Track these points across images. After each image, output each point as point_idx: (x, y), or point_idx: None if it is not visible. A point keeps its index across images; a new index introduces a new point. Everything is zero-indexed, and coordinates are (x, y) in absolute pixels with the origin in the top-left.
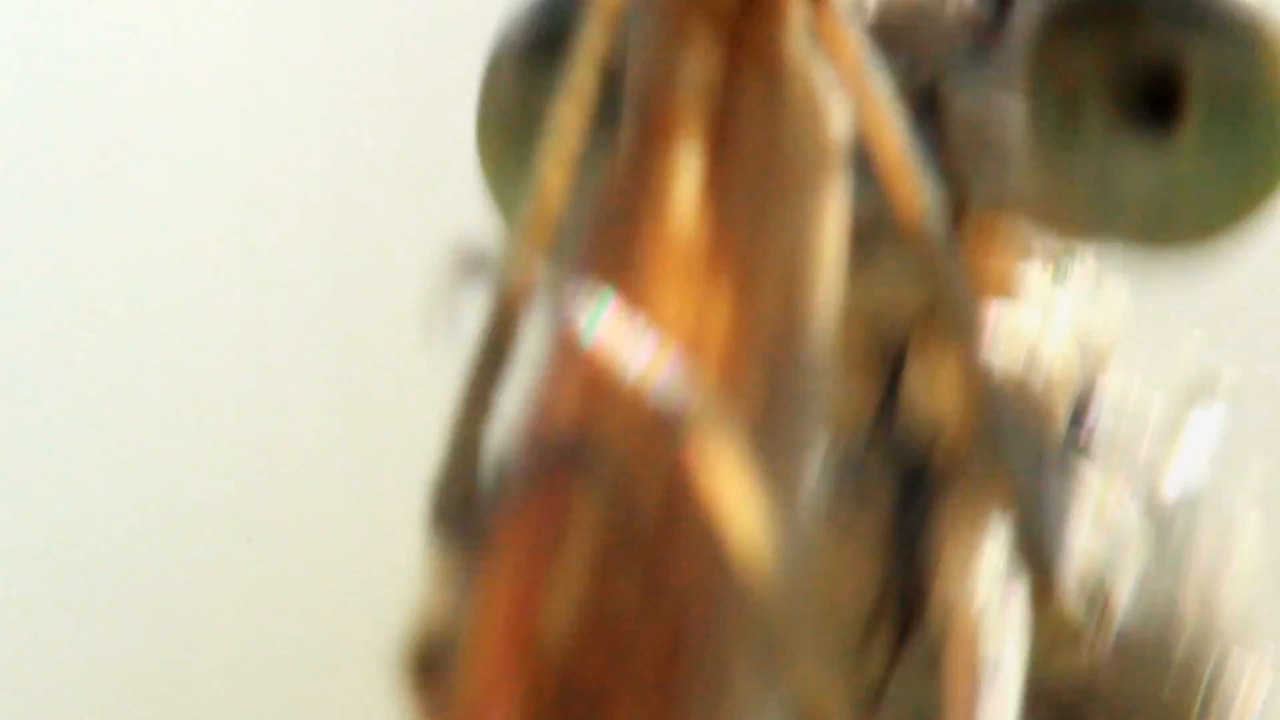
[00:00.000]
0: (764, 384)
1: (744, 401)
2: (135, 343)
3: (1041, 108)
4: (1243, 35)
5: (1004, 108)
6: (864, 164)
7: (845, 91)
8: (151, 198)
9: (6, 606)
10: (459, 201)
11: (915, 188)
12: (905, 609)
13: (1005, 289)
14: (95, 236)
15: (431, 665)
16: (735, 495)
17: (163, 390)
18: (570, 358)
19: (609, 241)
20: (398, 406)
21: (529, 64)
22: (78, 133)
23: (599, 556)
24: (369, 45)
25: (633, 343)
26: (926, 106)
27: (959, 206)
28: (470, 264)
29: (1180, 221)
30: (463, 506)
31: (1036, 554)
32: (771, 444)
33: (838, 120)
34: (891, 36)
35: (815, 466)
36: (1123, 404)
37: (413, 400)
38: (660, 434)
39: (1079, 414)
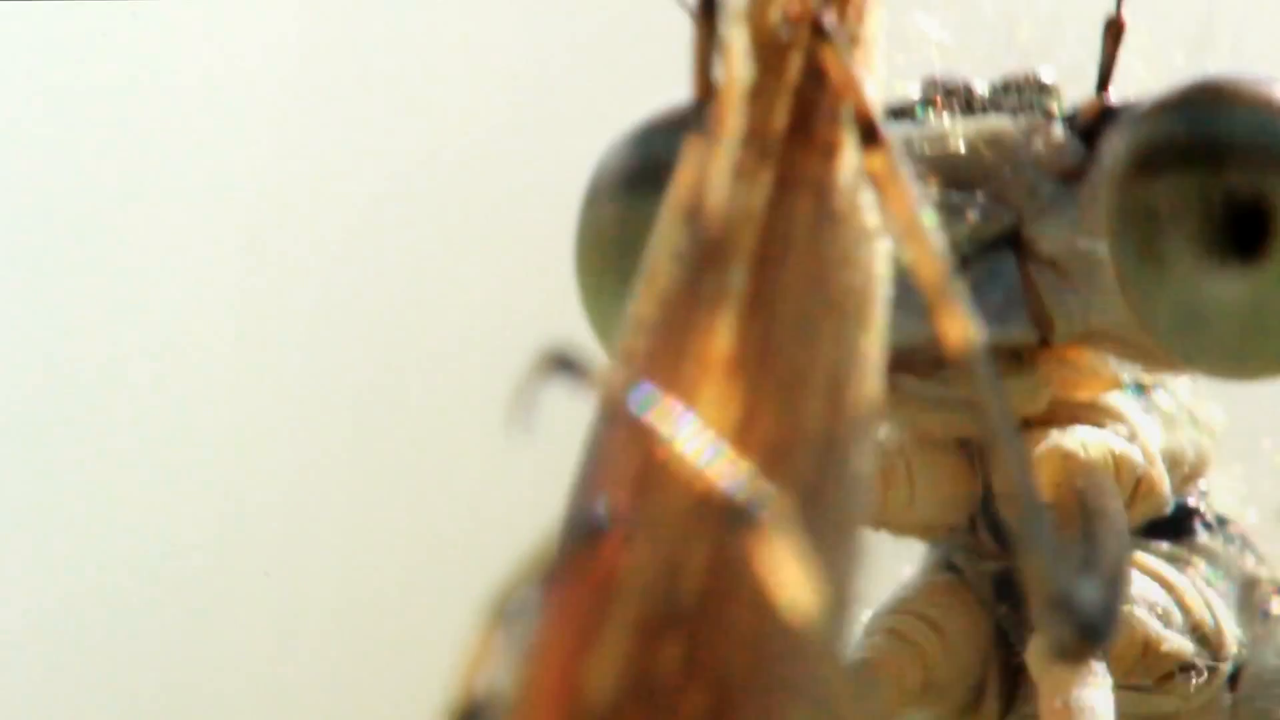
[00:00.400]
0: (807, 482)
1: (787, 495)
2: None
3: (1127, 246)
4: None
5: (1089, 247)
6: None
7: (894, 227)
8: None
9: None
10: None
11: (961, 323)
12: (1008, 688)
13: (1090, 417)
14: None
15: None
16: (784, 578)
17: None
18: (623, 443)
19: (666, 345)
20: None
21: (626, 193)
22: None
23: (643, 627)
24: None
25: (682, 434)
26: (1010, 246)
27: (1043, 341)
28: (557, 364)
29: (1267, 349)
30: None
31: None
32: (816, 537)
33: (882, 248)
34: (972, 176)
35: (858, 560)
36: (1224, 517)
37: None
38: (706, 518)
39: (1179, 524)
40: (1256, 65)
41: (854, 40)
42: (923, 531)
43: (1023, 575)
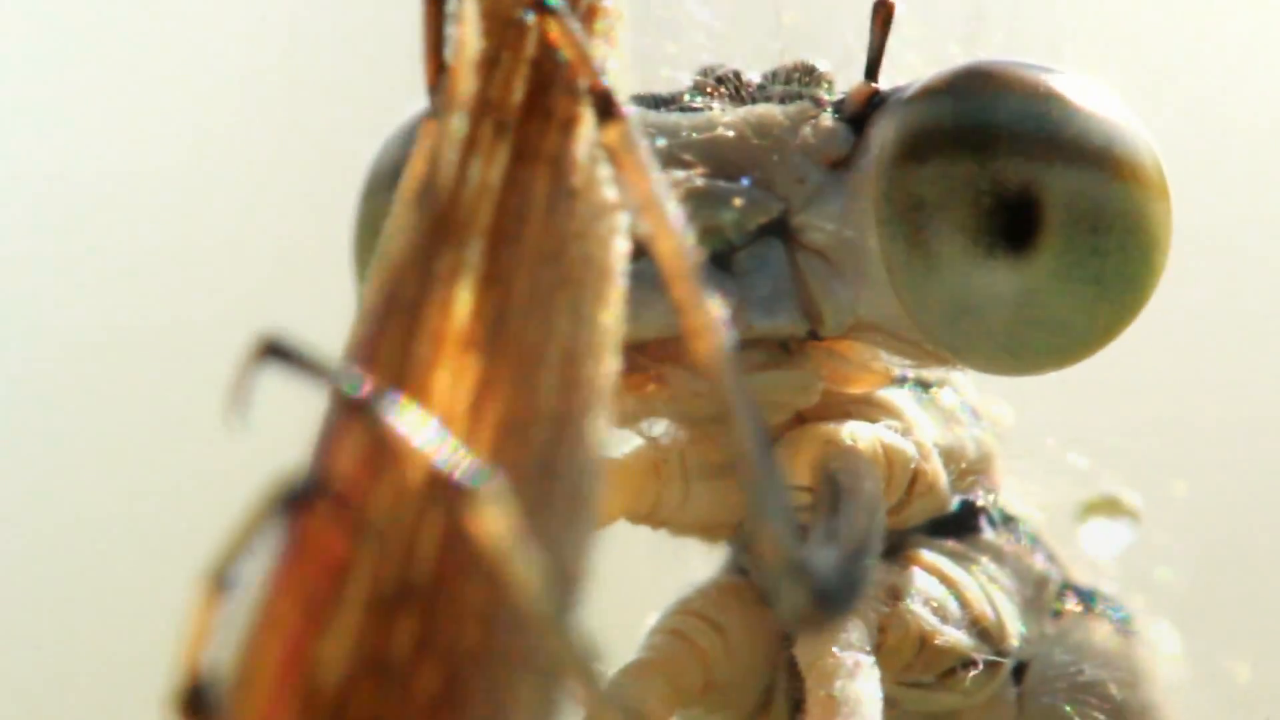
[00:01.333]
0: (541, 457)
1: (519, 473)
2: None
3: (895, 235)
4: (1096, 162)
5: (857, 237)
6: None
7: (630, 201)
8: None
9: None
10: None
11: (696, 298)
12: (797, 689)
13: (864, 412)
14: None
15: (201, 706)
16: (507, 554)
17: None
18: (353, 420)
19: (395, 326)
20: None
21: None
22: None
23: (375, 604)
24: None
25: (411, 412)
26: (779, 235)
27: (812, 332)
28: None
29: (1039, 343)
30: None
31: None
32: (548, 512)
33: (620, 224)
34: (740, 164)
35: (592, 534)
36: (1013, 515)
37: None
38: (434, 495)
39: (964, 520)
40: (1029, 55)
41: (591, 13)
42: (702, 532)
43: (756, 545)
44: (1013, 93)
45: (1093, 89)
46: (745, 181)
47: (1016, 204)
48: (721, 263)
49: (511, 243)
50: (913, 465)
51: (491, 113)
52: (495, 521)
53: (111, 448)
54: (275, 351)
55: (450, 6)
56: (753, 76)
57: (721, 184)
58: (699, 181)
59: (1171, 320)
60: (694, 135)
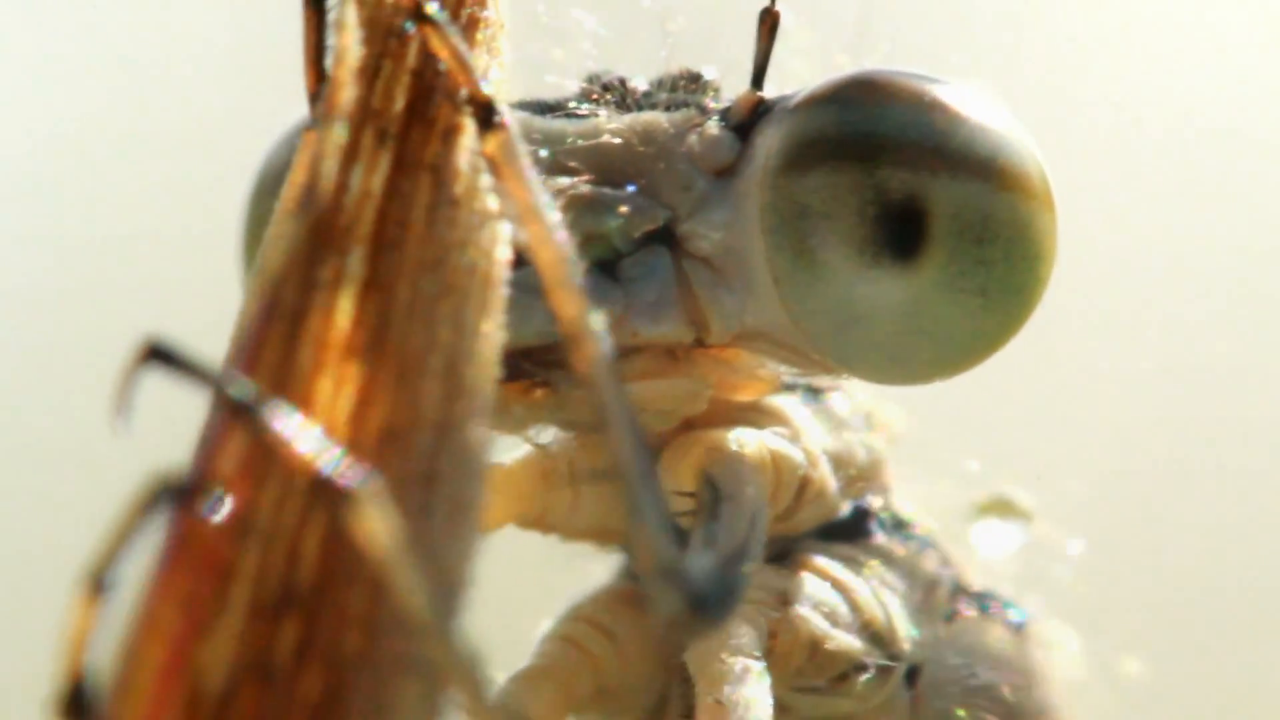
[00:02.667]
0: (423, 464)
1: (402, 481)
2: None
3: (781, 244)
4: (981, 172)
5: (742, 245)
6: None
7: (511, 210)
8: None
9: None
10: None
11: (576, 304)
12: (691, 696)
13: (751, 419)
14: None
15: (82, 709)
16: (389, 557)
17: None
18: (234, 425)
19: (277, 332)
20: None
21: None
22: None
23: (258, 609)
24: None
25: (291, 417)
26: (664, 243)
27: (698, 340)
28: (156, 355)
29: (925, 353)
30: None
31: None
32: (431, 519)
33: (501, 233)
34: (626, 171)
35: (476, 541)
36: (904, 519)
37: None
38: (315, 501)
39: (855, 525)
40: (915, 64)
41: (472, 23)
42: (593, 537)
43: (634, 551)
44: (898, 102)
45: (978, 99)
46: (631, 189)
47: (901, 214)
48: (607, 270)
49: (393, 250)
50: (801, 471)
51: (373, 121)
52: (376, 526)
53: None
54: (158, 355)
55: (331, 15)
56: (639, 84)
57: (607, 191)
58: (584, 188)
59: (1060, 322)
60: (579, 142)
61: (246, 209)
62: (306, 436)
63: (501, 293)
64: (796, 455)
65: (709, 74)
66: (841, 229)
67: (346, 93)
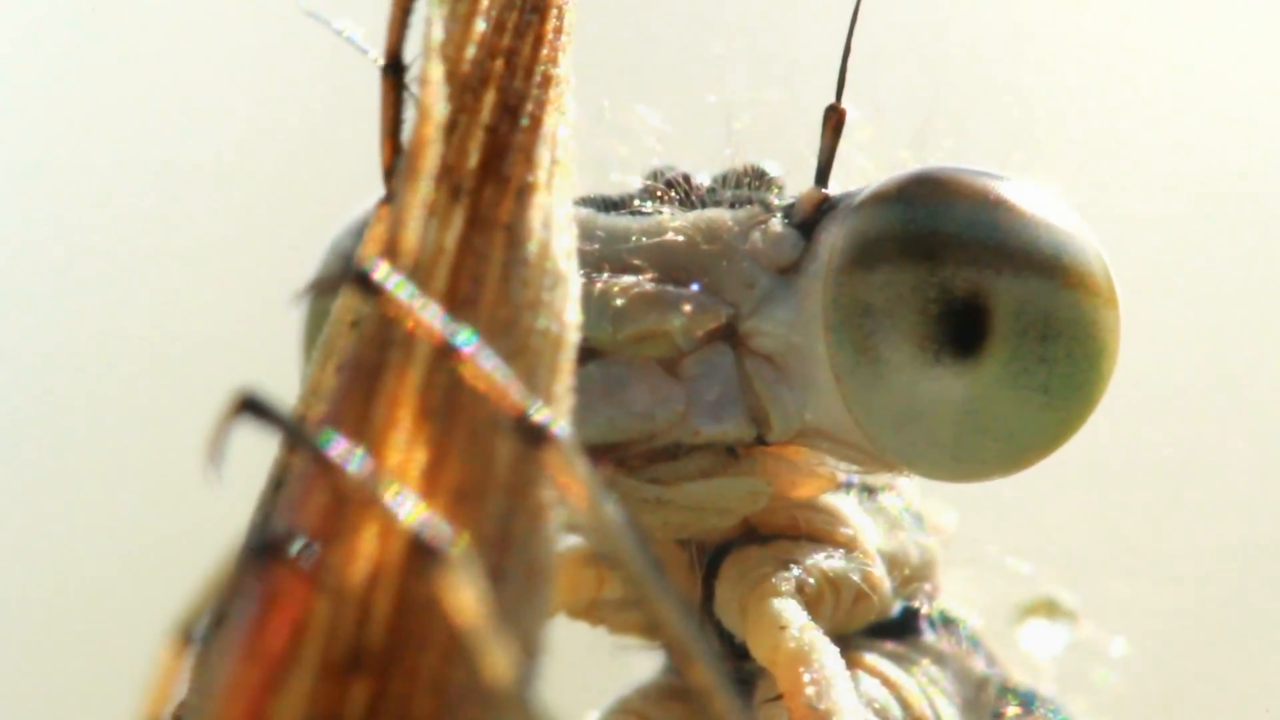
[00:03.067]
0: (495, 528)
1: (476, 540)
2: None
3: (843, 342)
4: (1045, 270)
5: (804, 343)
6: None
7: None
8: None
9: None
10: None
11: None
12: None
13: (808, 517)
14: None
15: None
16: (470, 624)
17: None
18: (314, 482)
19: (359, 391)
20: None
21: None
22: None
23: (330, 667)
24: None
25: (372, 476)
26: (726, 341)
27: (759, 438)
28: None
29: (986, 451)
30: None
31: None
32: (504, 583)
33: (572, 294)
34: (689, 268)
35: (549, 608)
36: (953, 617)
37: None
38: (394, 561)
39: (905, 623)
40: (978, 161)
41: (546, 80)
42: (643, 632)
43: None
44: (960, 199)
45: (1041, 196)
46: (695, 287)
47: (964, 311)
48: (669, 368)
49: (467, 308)
50: (857, 585)
51: (447, 177)
52: (465, 590)
53: (85, 495)
54: (250, 407)
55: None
56: (702, 180)
57: (670, 290)
58: (648, 286)
59: (1112, 422)
60: (643, 240)
61: (309, 300)
62: (396, 497)
63: (572, 356)
64: (853, 575)
65: (772, 170)
66: (904, 326)
67: (433, 150)
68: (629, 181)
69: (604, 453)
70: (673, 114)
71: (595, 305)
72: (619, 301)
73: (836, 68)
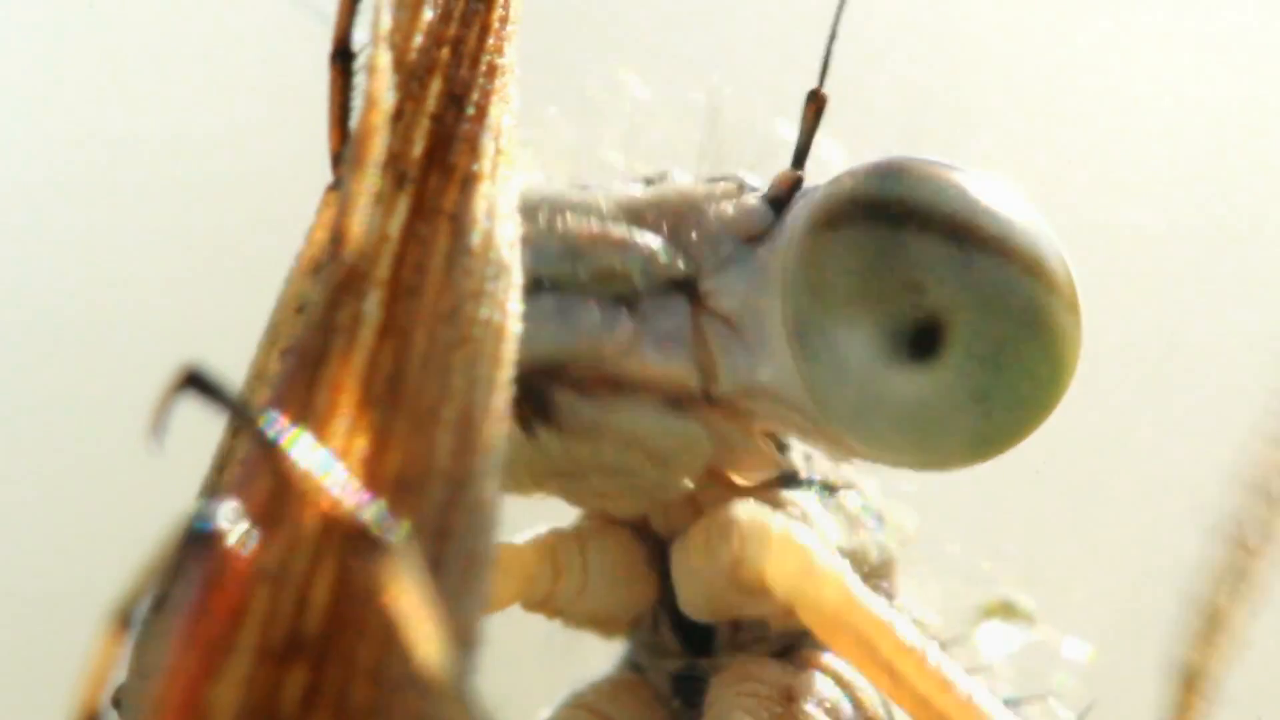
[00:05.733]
0: (435, 515)
1: (416, 528)
2: None
3: (800, 310)
4: (1008, 258)
5: (762, 309)
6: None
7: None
8: None
9: None
10: None
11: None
12: None
13: (754, 472)
14: None
15: None
16: (408, 612)
17: None
18: (254, 467)
19: (302, 376)
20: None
21: None
22: None
23: (266, 653)
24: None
25: (312, 462)
26: (685, 295)
27: (706, 391)
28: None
29: (947, 439)
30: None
31: None
32: (442, 573)
33: (515, 284)
34: (656, 222)
35: (486, 597)
36: (912, 617)
37: None
38: (332, 547)
39: None
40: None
41: (491, 69)
42: (600, 625)
43: None
44: (928, 181)
45: (1005, 190)
46: (660, 237)
47: (922, 294)
48: (625, 304)
49: (410, 297)
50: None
51: (392, 165)
52: (402, 578)
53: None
54: (195, 383)
55: (356, 77)
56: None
57: (636, 233)
58: (614, 230)
59: (1069, 426)
60: (616, 198)
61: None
62: (338, 483)
63: (514, 346)
64: (816, 545)
65: (752, 181)
66: (853, 299)
67: (379, 138)
68: (615, 161)
69: (550, 373)
70: (660, 93)
71: (558, 242)
72: (582, 239)
73: (821, 54)
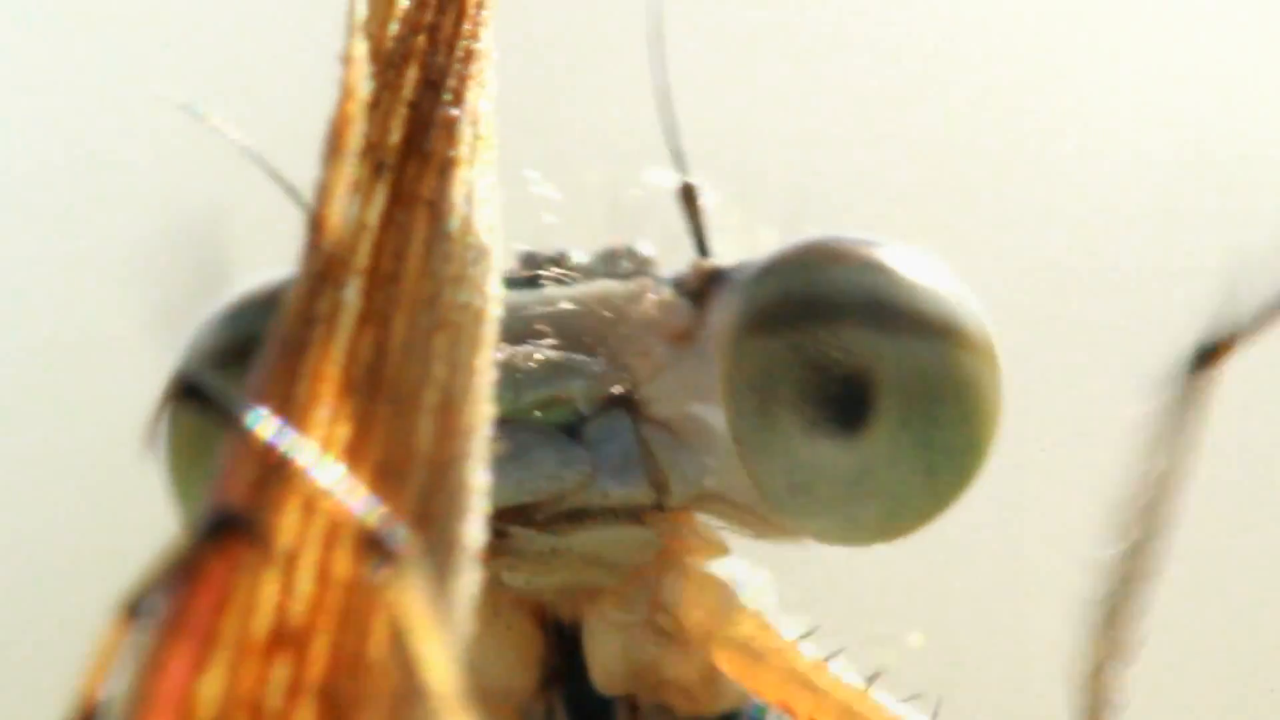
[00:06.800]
0: (417, 503)
1: (398, 515)
2: None
3: (739, 410)
4: (925, 331)
5: (699, 411)
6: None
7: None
8: None
9: None
10: None
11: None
12: None
13: (703, 583)
14: None
15: None
16: (408, 612)
17: None
18: (247, 463)
19: (284, 363)
20: None
21: (219, 369)
22: None
23: (253, 646)
24: None
25: (304, 456)
26: (624, 407)
27: (658, 504)
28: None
29: (876, 515)
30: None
31: None
32: (424, 553)
33: (495, 268)
34: (586, 337)
35: (468, 585)
36: None
37: None
38: (326, 543)
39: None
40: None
41: (467, 55)
42: (497, 695)
43: None
44: (848, 266)
45: (922, 262)
46: (595, 355)
47: (847, 378)
48: (572, 434)
49: (390, 284)
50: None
51: (370, 154)
52: (412, 589)
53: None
54: (192, 392)
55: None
56: (580, 258)
57: (571, 356)
58: (549, 353)
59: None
60: (540, 309)
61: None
62: (324, 474)
63: (495, 330)
64: (733, 581)
65: (645, 249)
66: (793, 394)
67: (356, 128)
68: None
69: (512, 514)
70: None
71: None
72: (520, 368)
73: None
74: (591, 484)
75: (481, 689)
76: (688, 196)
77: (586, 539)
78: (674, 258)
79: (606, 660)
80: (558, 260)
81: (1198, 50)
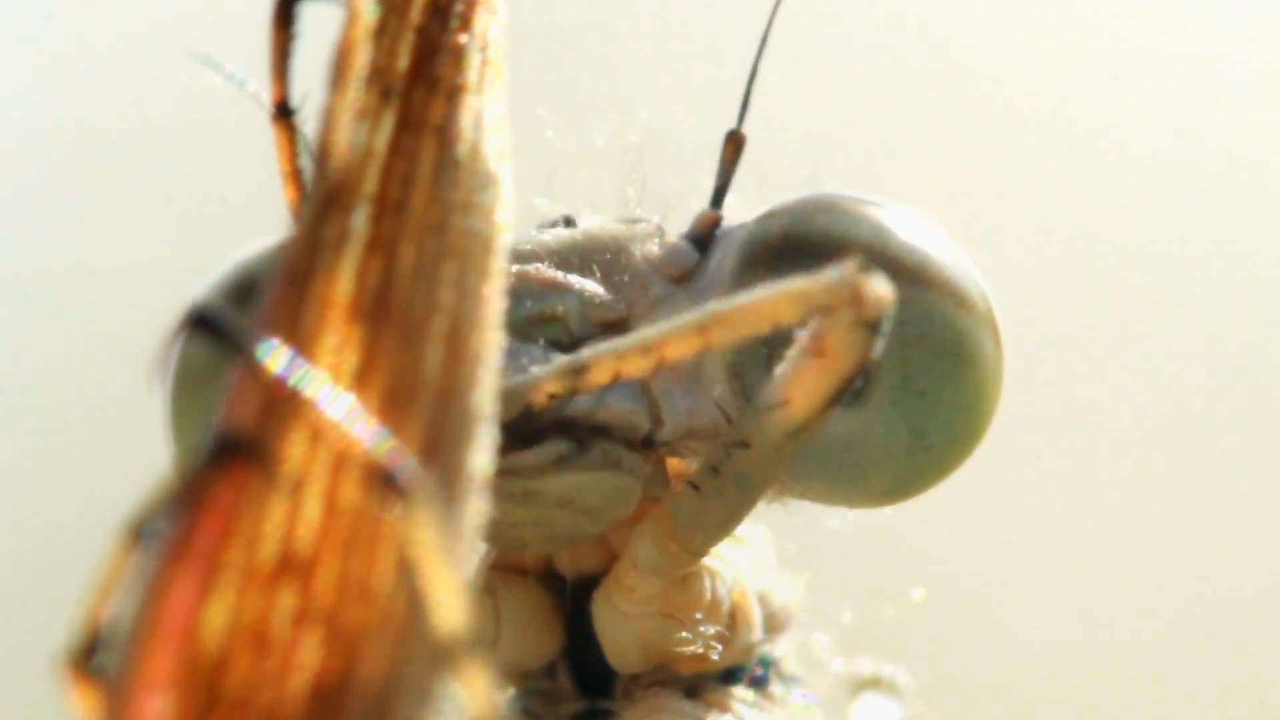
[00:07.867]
0: (425, 430)
1: (407, 443)
2: None
3: (742, 351)
4: (928, 291)
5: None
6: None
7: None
8: None
9: None
10: None
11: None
12: None
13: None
14: None
15: (95, 662)
16: (417, 542)
17: None
18: (253, 386)
19: (291, 290)
20: None
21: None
22: None
23: (258, 573)
24: None
25: (312, 386)
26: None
27: (648, 436)
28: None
29: (877, 475)
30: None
31: None
32: (433, 482)
33: (504, 195)
34: (587, 266)
35: (476, 511)
36: (795, 677)
37: None
38: (333, 471)
39: (759, 676)
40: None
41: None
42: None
43: None
44: (851, 217)
45: (923, 223)
46: (594, 281)
47: None
48: (561, 350)
49: (397, 211)
50: (732, 598)
51: (378, 80)
52: (424, 525)
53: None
54: (202, 322)
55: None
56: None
57: (568, 276)
58: (546, 272)
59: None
60: (545, 240)
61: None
62: (333, 402)
63: (503, 258)
64: (731, 576)
65: (654, 219)
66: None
67: (361, 54)
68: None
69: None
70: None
71: None
72: (517, 283)
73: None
74: (601, 395)
75: (503, 660)
76: (734, 143)
77: (558, 483)
78: (679, 211)
79: (620, 647)
80: (571, 222)
81: (1198, 45)
